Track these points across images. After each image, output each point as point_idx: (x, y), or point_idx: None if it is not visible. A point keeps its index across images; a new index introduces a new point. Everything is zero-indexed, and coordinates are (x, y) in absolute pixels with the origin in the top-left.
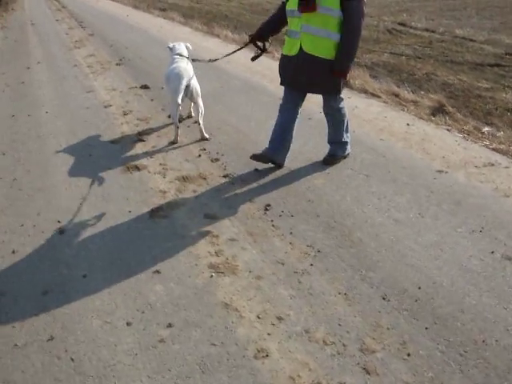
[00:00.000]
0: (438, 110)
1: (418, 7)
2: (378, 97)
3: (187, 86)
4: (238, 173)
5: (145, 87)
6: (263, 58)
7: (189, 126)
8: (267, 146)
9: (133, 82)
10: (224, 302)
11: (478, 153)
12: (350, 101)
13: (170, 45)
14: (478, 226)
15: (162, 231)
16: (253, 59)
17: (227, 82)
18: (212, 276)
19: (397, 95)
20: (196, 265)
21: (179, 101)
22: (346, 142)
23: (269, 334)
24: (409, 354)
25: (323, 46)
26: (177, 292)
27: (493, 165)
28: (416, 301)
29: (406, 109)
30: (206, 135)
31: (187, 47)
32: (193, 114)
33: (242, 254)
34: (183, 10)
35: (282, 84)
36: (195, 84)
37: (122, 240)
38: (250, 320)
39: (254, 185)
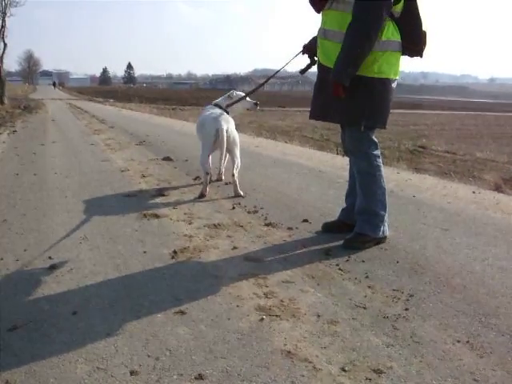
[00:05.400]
0: (499, 186)
1: (436, 135)
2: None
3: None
4: (284, 223)
5: (167, 159)
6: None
7: (219, 186)
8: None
9: (153, 156)
10: (285, 349)
11: None
12: (399, 175)
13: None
14: None
15: (188, 271)
16: (301, 72)
17: (258, 158)
18: (263, 319)
19: (446, 173)
20: (238, 306)
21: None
22: (380, 216)
23: None
24: None
25: (336, 54)
26: (210, 336)
27: None
28: None
29: (464, 181)
30: (241, 192)
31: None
32: (223, 178)
33: (302, 296)
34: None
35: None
36: (233, 130)
37: (133, 278)
38: (330, 373)
39: (306, 234)
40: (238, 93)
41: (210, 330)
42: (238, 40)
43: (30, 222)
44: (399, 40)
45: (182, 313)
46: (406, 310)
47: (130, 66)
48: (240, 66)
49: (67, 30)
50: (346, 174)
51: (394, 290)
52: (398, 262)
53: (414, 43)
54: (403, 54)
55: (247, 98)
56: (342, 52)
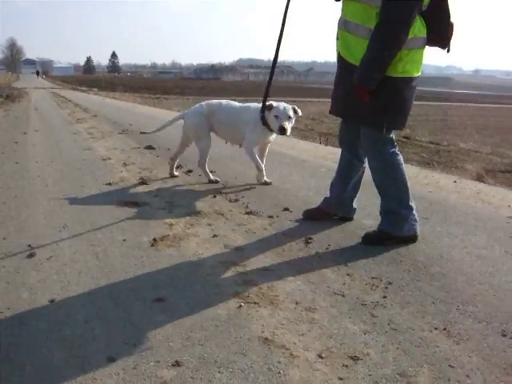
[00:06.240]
0: (481, 176)
1: (420, 125)
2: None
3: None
4: (265, 211)
5: (149, 148)
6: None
7: (200, 175)
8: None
9: (136, 145)
10: (262, 336)
11: None
12: None
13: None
14: None
15: (167, 259)
16: None
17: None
18: (241, 306)
19: (429, 163)
20: (216, 294)
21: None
22: (401, 214)
23: (341, 379)
24: None
25: (360, 49)
26: (188, 323)
27: None
28: None
29: (447, 171)
30: (213, 178)
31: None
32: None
33: (281, 284)
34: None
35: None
36: (192, 126)
37: (112, 266)
38: (306, 360)
39: (287, 222)
40: (272, 103)
41: (188, 317)
42: (224, 29)
43: (11, 211)
44: (425, 35)
45: (161, 300)
46: (384, 297)
47: (114, 55)
48: (225, 56)
49: (51, 18)
50: (329, 164)
51: (372, 277)
52: (377, 250)
53: (440, 36)
54: (427, 44)
55: (275, 121)
56: (369, 55)
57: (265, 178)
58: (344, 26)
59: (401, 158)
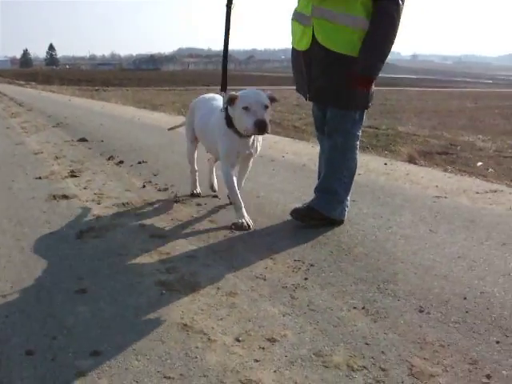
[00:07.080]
0: (413, 158)
1: None
2: None
3: None
4: (193, 199)
5: (83, 140)
6: None
7: (131, 166)
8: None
9: (69, 138)
10: (181, 323)
11: (473, 182)
12: (314, 149)
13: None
14: (508, 239)
15: (92, 251)
16: None
17: (177, 137)
18: (162, 294)
19: (367, 147)
20: (139, 283)
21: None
22: (340, 197)
23: (257, 361)
24: (489, 376)
25: (344, 38)
26: (108, 313)
27: (495, 191)
28: (467, 312)
29: (379, 154)
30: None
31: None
32: None
33: (204, 270)
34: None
35: (297, 91)
36: None
37: (37, 260)
38: (224, 344)
39: (214, 209)
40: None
41: (109, 306)
42: (163, 18)
43: None
44: None
45: (83, 291)
46: (306, 279)
47: (51, 48)
48: (165, 46)
49: None
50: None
51: (295, 260)
52: (301, 233)
53: None
54: None
55: (245, 116)
56: (375, 46)
57: (245, 220)
58: (320, 14)
59: (358, 143)
